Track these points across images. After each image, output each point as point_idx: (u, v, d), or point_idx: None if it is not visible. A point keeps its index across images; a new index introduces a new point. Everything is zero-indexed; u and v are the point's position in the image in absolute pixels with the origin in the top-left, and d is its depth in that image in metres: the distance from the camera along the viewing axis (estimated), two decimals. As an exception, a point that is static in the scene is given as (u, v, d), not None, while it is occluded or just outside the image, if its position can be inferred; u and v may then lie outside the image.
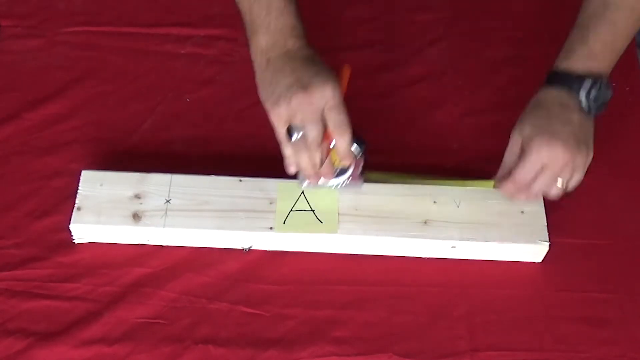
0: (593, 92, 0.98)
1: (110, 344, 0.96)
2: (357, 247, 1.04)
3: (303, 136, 0.95)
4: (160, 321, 0.98)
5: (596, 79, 0.98)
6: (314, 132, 0.95)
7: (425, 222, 1.03)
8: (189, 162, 1.10)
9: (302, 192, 1.05)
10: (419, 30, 1.27)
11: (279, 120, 0.96)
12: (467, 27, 1.27)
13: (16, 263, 1.02)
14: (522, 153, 0.98)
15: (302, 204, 1.04)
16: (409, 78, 1.21)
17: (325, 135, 0.96)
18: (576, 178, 1.00)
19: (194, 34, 1.25)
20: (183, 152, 1.12)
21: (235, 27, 1.25)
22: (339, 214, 1.03)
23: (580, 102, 0.98)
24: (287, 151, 0.98)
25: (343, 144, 0.97)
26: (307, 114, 0.94)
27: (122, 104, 1.17)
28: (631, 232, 1.08)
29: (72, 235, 1.03)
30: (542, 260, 1.04)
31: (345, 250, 1.04)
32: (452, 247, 1.03)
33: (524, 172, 0.98)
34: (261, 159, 1.12)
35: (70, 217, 1.02)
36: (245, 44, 1.24)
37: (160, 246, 1.04)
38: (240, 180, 1.05)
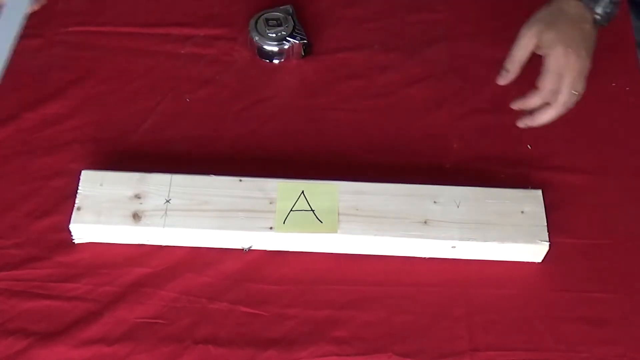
0: (610, 8, 1.05)
1: (110, 344, 0.96)
2: (357, 247, 1.04)
3: None
4: (160, 321, 0.99)
5: None
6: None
7: (425, 222, 1.03)
8: (189, 162, 1.10)
9: (302, 192, 1.05)
10: (419, 30, 1.27)
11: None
12: (467, 27, 1.27)
13: (16, 263, 1.02)
14: (543, 58, 1.05)
15: (302, 204, 1.04)
16: (409, 78, 1.21)
17: None
18: (581, 86, 1.05)
19: (194, 34, 1.25)
20: (183, 152, 1.12)
21: (235, 27, 1.26)
22: (339, 214, 1.03)
23: (595, 15, 1.05)
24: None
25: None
26: None
27: (122, 104, 1.17)
28: (631, 232, 1.08)
29: (72, 235, 1.03)
30: (542, 260, 1.04)
31: (345, 250, 1.04)
32: (452, 247, 1.03)
33: (551, 79, 1.04)
34: (261, 159, 1.12)
35: (70, 217, 1.02)
36: (246, 44, 1.24)
37: (160, 246, 1.04)
38: (240, 180, 1.05)
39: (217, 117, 1.16)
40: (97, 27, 1.24)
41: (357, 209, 1.04)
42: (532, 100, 1.07)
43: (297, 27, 1.21)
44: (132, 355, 0.96)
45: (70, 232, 1.02)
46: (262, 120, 1.17)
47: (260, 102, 1.18)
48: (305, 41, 1.21)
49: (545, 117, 1.07)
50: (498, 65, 1.22)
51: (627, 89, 1.20)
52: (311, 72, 1.22)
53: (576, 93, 1.05)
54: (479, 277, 1.03)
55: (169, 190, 1.04)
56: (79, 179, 1.05)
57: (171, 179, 1.05)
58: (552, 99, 1.05)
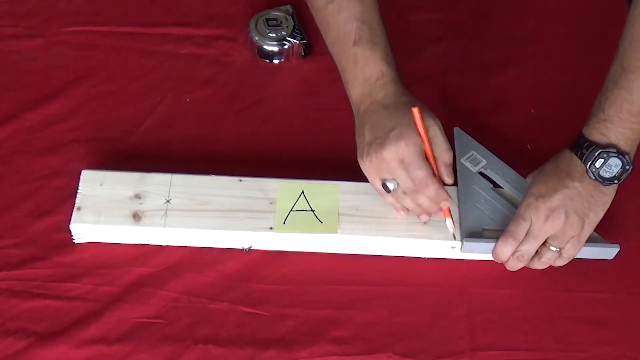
0: (598, 164, 0.96)
1: (110, 344, 0.96)
2: (357, 247, 1.04)
3: (398, 185, 0.97)
4: (160, 321, 0.98)
5: (604, 150, 0.96)
6: (403, 183, 0.96)
7: (425, 222, 1.03)
8: (189, 162, 1.10)
9: (302, 192, 1.05)
10: (419, 30, 1.26)
11: (368, 174, 0.98)
12: (467, 27, 1.27)
13: (16, 263, 1.02)
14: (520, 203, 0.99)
15: (302, 204, 1.04)
16: (409, 78, 1.21)
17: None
18: (569, 250, 0.99)
19: (194, 34, 1.25)
20: (183, 152, 1.12)
21: (235, 27, 1.26)
22: (339, 214, 1.03)
23: (586, 170, 0.97)
24: (389, 200, 1.00)
25: (427, 199, 0.98)
26: (389, 170, 0.96)
27: (122, 103, 1.17)
28: (631, 232, 1.08)
29: (72, 235, 1.03)
30: (542, 260, 1.04)
31: (345, 250, 1.04)
32: (452, 247, 1.03)
33: (514, 224, 0.98)
34: (261, 159, 1.12)
35: (70, 217, 1.02)
36: (246, 44, 1.25)
37: (161, 246, 1.04)
38: (240, 180, 1.05)
39: (217, 117, 1.17)
40: (97, 27, 1.24)
41: (357, 209, 1.04)
42: (498, 246, 0.98)
43: (297, 27, 1.22)
44: (132, 355, 0.96)
45: (70, 232, 1.02)
46: (262, 120, 1.17)
47: (260, 102, 1.18)
48: (305, 41, 1.21)
49: (511, 265, 1.00)
50: (498, 65, 1.23)
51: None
52: (311, 72, 1.22)
53: (556, 250, 0.98)
54: (479, 277, 1.03)
55: (169, 190, 1.04)
56: (79, 179, 1.04)
57: (171, 179, 1.05)
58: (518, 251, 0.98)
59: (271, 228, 1.02)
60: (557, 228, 0.97)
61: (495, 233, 1.00)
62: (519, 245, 0.98)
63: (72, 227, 1.02)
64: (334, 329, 0.99)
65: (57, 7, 1.27)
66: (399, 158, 0.95)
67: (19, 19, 1.25)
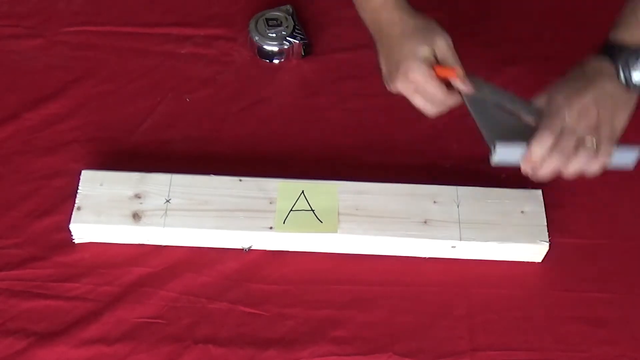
0: (632, 63, 0.94)
1: (110, 344, 0.96)
2: (357, 247, 1.04)
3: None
4: (160, 321, 0.99)
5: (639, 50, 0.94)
6: (422, 105, 1.00)
7: (425, 222, 1.03)
8: (189, 162, 1.10)
9: (302, 191, 1.05)
10: (419, 30, 1.26)
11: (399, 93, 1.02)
12: (467, 27, 1.27)
13: (16, 263, 1.02)
14: (547, 105, 0.95)
15: (302, 204, 1.04)
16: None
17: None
18: (604, 148, 0.93)
19: (194, 34, 1.25)
20: (183, 152, 1.13)
21: (235, 27, 1.26)
22: (339, 213, 1.03)
23: (617, 72, 0.95)
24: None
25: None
26: (408, 96, 1.00)
27: (122, 104, 1.17)
28: (631, 232, 1.08)
29: (72, 235, 1.03)
30: (542, 260, 1.04)
31: (345, 250, 1.04)
32: (452, 247, 1.03)
33: (549, 122, 0.93)
34: (261, 159, 1.12)
35: (70, 217, 1.02)
36: (246, 44, 1.25)
37: (160, 246, 1.04)
38: (240, 180, 1.05)
39: (217, 117, 1.17)
40: (97, 27, 1.24)
41: (357, 209, 1.04)
42: (536, 151, 0.92)
43: (297, 27, 1.22)
44: (132, 355, 0.96)
45: (70, 232, 1.02)
46: (262, 120, 1.17)
47: (260, 102, 1.18)
48: (305, 41, 1.21)
49: (544, 171, 0.93)
50: (498, 65, 1.23)
51: (627, 89, 1.20)
52: (311, 72, 1.22)
53: (592, 144, 0.92)
54: (479, 277, 1.03)
55: (169, 190, 1.04)
56: (79, 179, 1.05)
57: (171, 179, 1.05)
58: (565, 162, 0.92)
59: (271, 228, 1.02)
60: (592, 122, 0.93)
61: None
62: (559, 140, 0.92)
63: (72, 227, 1.02)
64: (334, 329, 0.99)
65: (57, 7, 1.27)
66: (412, 88, 0.99)
67: (19, 19, 1.25)
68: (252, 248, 1.04)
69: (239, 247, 1.04)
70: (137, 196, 1.04)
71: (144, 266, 1.02)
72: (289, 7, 1.24)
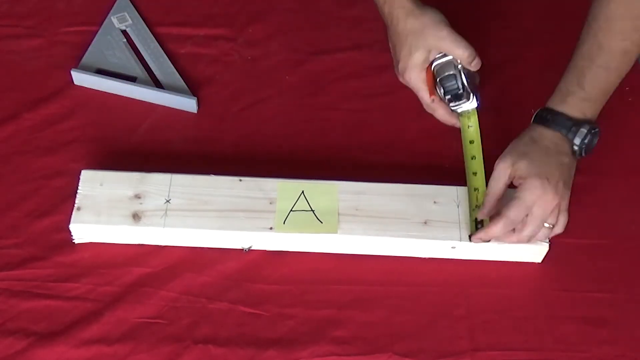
0: (588, 139, 1.00)
1: (110, 344, 0.96)
2: (357, 247, 1.04)
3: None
4: (160, 321, 0.98)
5: (591, 125, 1.00)
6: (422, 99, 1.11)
7: (425, 222, 1.03)
8: (189, 162, 1.10)
9: (302, 192, 1.05)
10: (419, 30, 1.26)
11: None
12: (467, 27, 1.27)
13: (16, 263, 1.02)
14: (517, 189, 0.99)
15: (302, 204, 1.04)
16: (409, 78, 1.21)
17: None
18: (562, 220, 1.01)
19: (194, 34, 1.25)
20: (183, 152, 1.12)
21: (235, 27, 1.26)
22: (339, 214, 1.03)
23: (573, 146, 1.01)
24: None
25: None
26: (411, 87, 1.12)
27: (122, 104, 1.17)
28: (631, 232, 1.08)
29: (72, 235, 1.03)
30: (542, 260, 1.04)
31: (345, 250, 1.04)
32: (452, 247, 1.03)
33: (517, 210, 0.97)
34: (261, 159, 1.12)
35: (70, 217, 1.02)
36: (245, 44, 1.24)
37: (160, 246, 1.04)
38: (240, 180, 1.05)
39: (217, 117, 1.16)
40: (97, 27, 1.24)
41: (357, 209, 1.04)
42: (493, 230, 0.98)
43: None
44: (132, 355, 0.96)
45: (70, 232, 1.02)
46: (262, 120, 1.17)
47: (260, 102, 1.18)
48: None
49: (506, 241, 1.00)
50: (498, 65, 1.23)
51: (627, 88, 1.19)
52: (311, 72, 1.22)
53: (550, 226, 0.99)
54: (479, 277, 1.03)
55: (169, 190, 1.04)
56: (79, 179, 1.04)
57: (171, 179, 1.05)
58: (517, 229, 0.99)
59: (271, 228, 1.02)
60: (557, 206, 0.99)
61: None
62: (524, 230, 0.98)
63: (72, 227, 1.02)
64: (334, 329, 0.99)
65: (57, 7, 1.27)
66: (409, 86, 1.12)
67: (19, 19, 1.25)
68: (252, 248, 1.04)
69: (239, 247, 1.04)
70: (137, 196, 1.03)
71: (144, 266, 1.02)
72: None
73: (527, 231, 0.99)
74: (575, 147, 1.01)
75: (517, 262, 1.04)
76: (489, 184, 1.02)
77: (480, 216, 1.01)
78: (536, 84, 1.20)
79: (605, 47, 0.98)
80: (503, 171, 1.00)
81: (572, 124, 1.00)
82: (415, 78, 1.11)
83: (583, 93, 1.00)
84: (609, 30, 0.97)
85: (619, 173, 1.13)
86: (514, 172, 0.99)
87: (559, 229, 1.01)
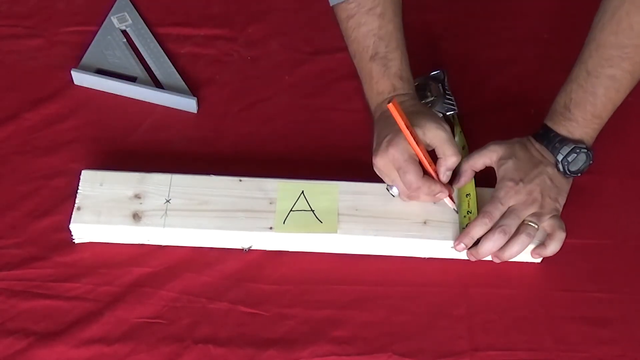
0: (570, 158, 1.02)
1: (110, 344, 0.96)
2: (357, 247, 1.04)
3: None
4: (160, 321, 0.99)
5: (577, 145, 1.01)
6: (400, 187, 1.02)
7: (425, 222, 1.03)
8: (189, 162, 1.10)
9: (302, 192, 1.05)
10: (419, 30, 1.26)
11: (380, 176, 1.04)
12: (467, 27, 1.27)
13: (16, 263, 1.02)
14: (495, 187, 1.01)
15: (302, 204, 1.04)
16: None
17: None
18: (551, 222, 1.01)
19: (194, 34, 1.25)
20: (183, 152, 1.13)
21: (235, 27, 1.26)
22: (338, 214, 1.03)
23: (556, 161, 1.02)
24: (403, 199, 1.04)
25: (426, 195, 1.02)
26: (387, 176, 1.02)
27: (122, 104, 1.17)
28: (631, 232, 1.08)
29: (72, 235, 1.03)
30: (542, 260, 1.04)
31: (345, 250, 1.04)
32: (451, 247, 1.03)
33: (492, 205, 1.00)
34: (261, 159, 1.12)
35: (70, 217, 1.02)
36: (245, 44, 1.24)
37: (160, 246, 1.04)
38: (240, 180, 1.05)
39: (217, 117, 1.17)
40: (98, 27, 1.24)
41: (357, 209, 1.04)
42: (473, 228, 1.00)
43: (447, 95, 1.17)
44: (132, 355, 0.96)
45: (70, 232, 1.02)
46: (262, 120, 1.17)
47: (260, 102, 1.18)
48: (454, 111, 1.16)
49: (484, 248, 0.99)
50: (498, 65, 1.23)
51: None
52: (311, 72, 1.22)
53: (535, 226, 0.99)
54: (479, 277, 1.03)
55: (169, 190, 1.04)
56: (79, 179, 1.05)
57: (171, 179, 1.05)
58: (502, 230, 0.99)
59: (271, 228, 1.02)
60: (536, 208, 1.00)
61: None
62: (501, 219, 1.00)
63: (72, 227, 1.02)
64: (334, 329, 0.99)
65: (57, 7, 1.27)
66: (391, 165, 1.00)
67: (19, 19, 1.25)
68: (252, 248, 1.04)
69: (239, 247, 1.04)
70: (137, 196, 1.04)
71: (144, 266, 1.02)
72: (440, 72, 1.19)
73: (505, 220, 0.99)
74: (558, 164, 1.02)
75: (517, 262, 1.04)
76: (473, 153, 1.04)
77: (456, 185, 1.03)
78: (536, 84, 1.21)
79: (592, 73, 1.00)
80: (490, 153, 1.03)
81: (557, 141, 1.02)
82: (403, 151, 0.99)
83: (569, 115, 1.02)
84: (598, 57, 0.99)
85: (619, 173, 1.13)
86: (497, 163, 1.02)
87: (554, 247, 1.01)
